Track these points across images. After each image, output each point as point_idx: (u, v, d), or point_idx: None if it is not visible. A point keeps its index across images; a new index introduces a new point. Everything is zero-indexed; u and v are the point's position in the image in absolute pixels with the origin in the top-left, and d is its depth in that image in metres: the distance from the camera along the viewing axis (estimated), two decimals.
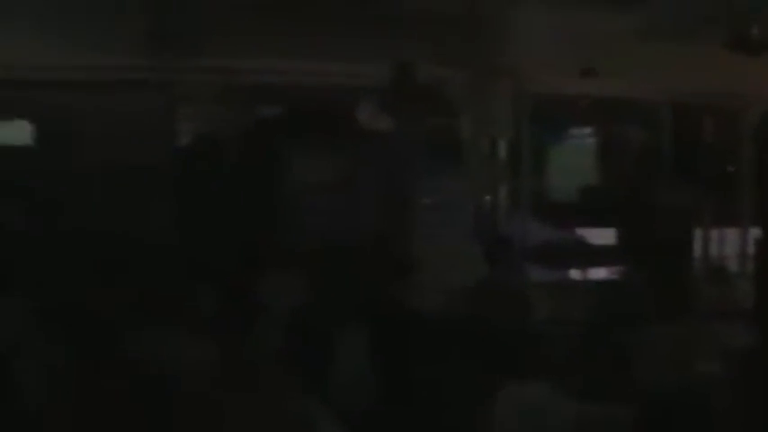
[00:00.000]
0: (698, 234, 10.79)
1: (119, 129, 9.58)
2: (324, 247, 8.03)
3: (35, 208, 9.30)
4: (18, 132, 9.85)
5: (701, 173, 11.10)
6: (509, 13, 9.73)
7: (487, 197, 10.09)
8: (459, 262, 8.01)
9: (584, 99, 10.93)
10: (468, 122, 10.15)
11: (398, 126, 9.48)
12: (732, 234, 11.02)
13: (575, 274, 10.18)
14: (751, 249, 9.58)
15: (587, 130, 11.50)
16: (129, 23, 9.14)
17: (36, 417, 4.37)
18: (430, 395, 4.77)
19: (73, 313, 5.04)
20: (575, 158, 11.37)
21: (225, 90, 9.65)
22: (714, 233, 10.99)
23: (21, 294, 6.11)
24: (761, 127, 10.94)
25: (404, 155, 9.39)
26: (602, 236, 10.37)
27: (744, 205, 10.96)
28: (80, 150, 9.50)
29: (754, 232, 9.67)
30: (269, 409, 4.06)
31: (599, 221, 10.51)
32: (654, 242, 9.57)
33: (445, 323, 5.67)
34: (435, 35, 9.49)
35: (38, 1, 9.08)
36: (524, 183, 10.41)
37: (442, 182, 9.49)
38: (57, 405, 4.27)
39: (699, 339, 6.03)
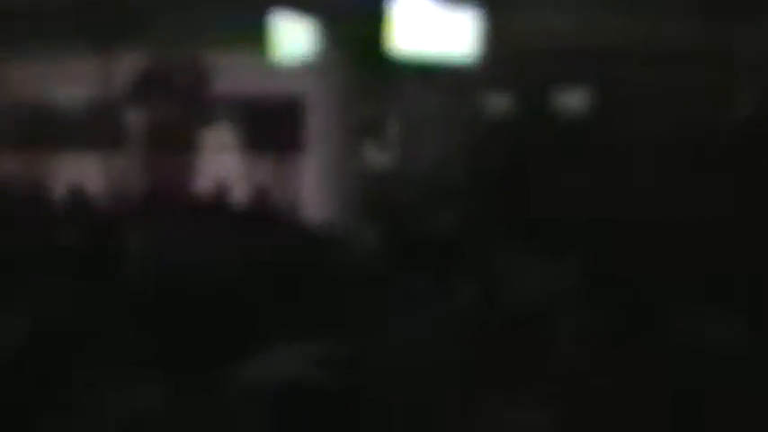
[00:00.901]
0: None
1: (678, 98, 9.56)
2: None
3: (592, 178, 9.54)
4: (577, 100, 10.15)
5: None
6: None
7: None
8: None
9: None
10: None
11: None
12: None
13: None
14: None
15: None
16: None
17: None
18: None
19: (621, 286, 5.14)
20: None
21: None
22: None
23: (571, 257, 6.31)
24: None
25: None
26: None
27: None
28: (637, 120, 9.59)
29: None
30: None
31: None
32: None
33: None
34: None
35: None
36: None
37: None
38: (581, 370, 4.37)
39: None
